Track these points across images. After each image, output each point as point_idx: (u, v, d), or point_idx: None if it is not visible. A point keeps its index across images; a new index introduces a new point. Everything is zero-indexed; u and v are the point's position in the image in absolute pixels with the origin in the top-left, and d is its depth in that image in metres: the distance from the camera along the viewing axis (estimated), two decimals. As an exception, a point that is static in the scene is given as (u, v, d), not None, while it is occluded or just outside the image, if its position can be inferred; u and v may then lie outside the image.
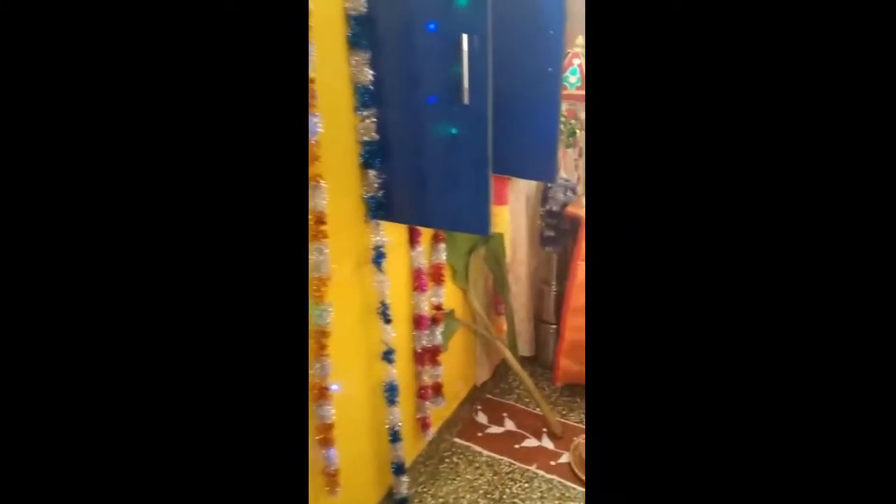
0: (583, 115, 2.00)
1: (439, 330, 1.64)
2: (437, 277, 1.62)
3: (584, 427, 1.98)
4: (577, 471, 1.77)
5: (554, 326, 2.26)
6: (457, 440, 1.93)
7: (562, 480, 1.75)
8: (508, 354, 1.93)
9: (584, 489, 1.72)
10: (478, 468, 1.82)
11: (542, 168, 1.66)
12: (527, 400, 2.12)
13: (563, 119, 2.13)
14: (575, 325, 2.03)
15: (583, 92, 1.87)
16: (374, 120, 1.24)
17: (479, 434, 1.96)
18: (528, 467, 1.81)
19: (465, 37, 1.08)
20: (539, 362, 2.33)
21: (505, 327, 2.06)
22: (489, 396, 2.17)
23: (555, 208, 2.13)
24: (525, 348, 2.29)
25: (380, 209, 1.29)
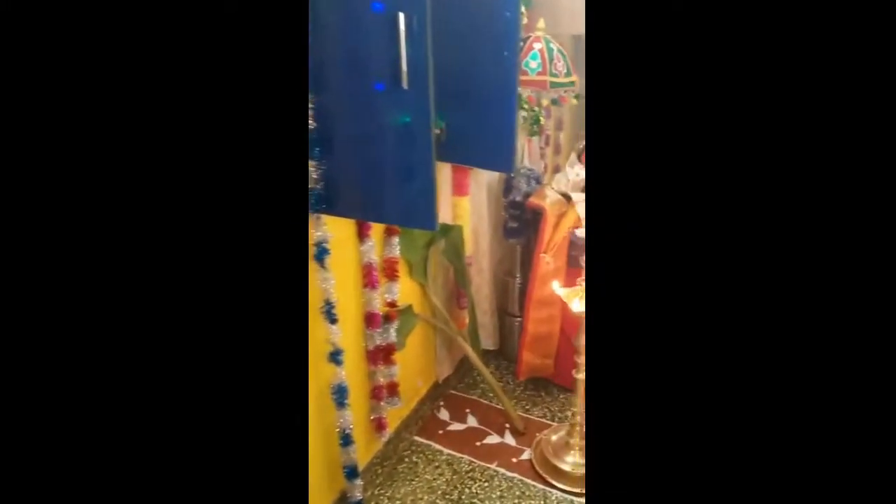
0: (546, 102, 1.93)
1: (393, 327, 1.58)
2: (390, 273, 1.55)
3: (547, 422, 1.95)
4: (538, 468, 1.73)
5: (518, 319, 2.21)
6: (417, 438, 1.88)
7: (522, 478, 1.71)
8: (469, 350, 1.87)
9: (544, 487, 1.69)
10: (437, 467, 1.77)
11: (500, 158, 1.59)
12: (491, 395, 2.07)
13: (525, 106, 2.06)
14: (538, 317, 1.98)
15: (544, 77, 1.80)
16: (311, 106, 1.15)
17: (441, 431, 1.91)
18: (488, 465, 1.76)
19: (401, 16, 1.00)
20: (504, 355, 2.29)
21: (467, 321, 2.01)
22: (452, 392, 2.12)
23: (518, 198, 2.07)
24: (489, 342, 2.25)
25: (320, 203, 1.21)
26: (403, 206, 1.18)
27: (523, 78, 1.80)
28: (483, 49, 1.50)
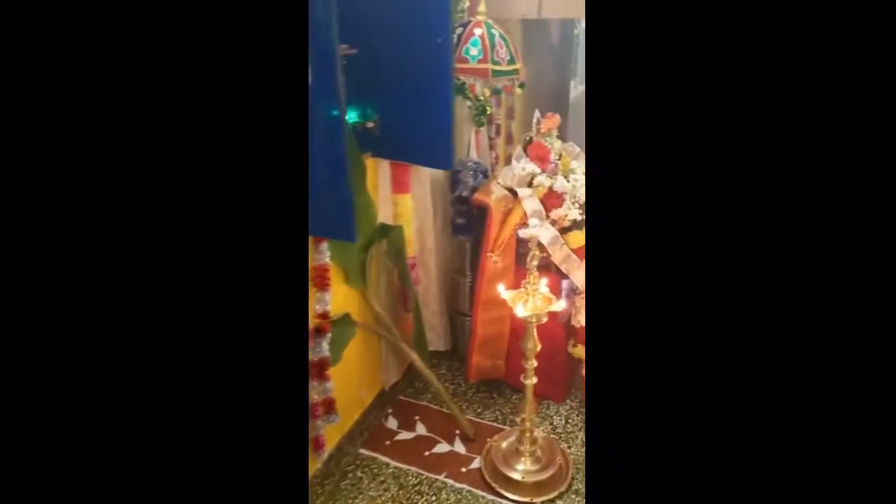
0: (487, 91, 1.82)
1: (326, 341, 1.46)
2: (319, 282, 1.43)
3: (499, 426, 1.88)
4: (487, 477, 1.66)
5: (471, 319, 2.13)
6: (362, 451, 1.78)
7: (471, 489, 1.64)
8: (415, 357, 1.77)
9: (494, 498, 1.61)
10: (383, 482, 1.67)
11: (437, 153, 1.48)
12: (441, 399, 1.99)
13: (470, 96, 1.95)
14: (486, 318, 1.90)
15: (486, 66, 1.68)
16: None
17: (388, 442, 1.82)
18: (436, 477, 1.68)
19: None
20: (457, 356, 2.20)
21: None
22: (402, 398, 2.02)
23: (465, 194, 1.96)
24: (440, 342, 2.15)
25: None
26: (319, 215, 1.05)
27: (463, 66, 1.69)
28: (415, 36, 1.38)
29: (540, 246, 1.71)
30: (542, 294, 1.48)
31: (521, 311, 1.44)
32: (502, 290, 1.53)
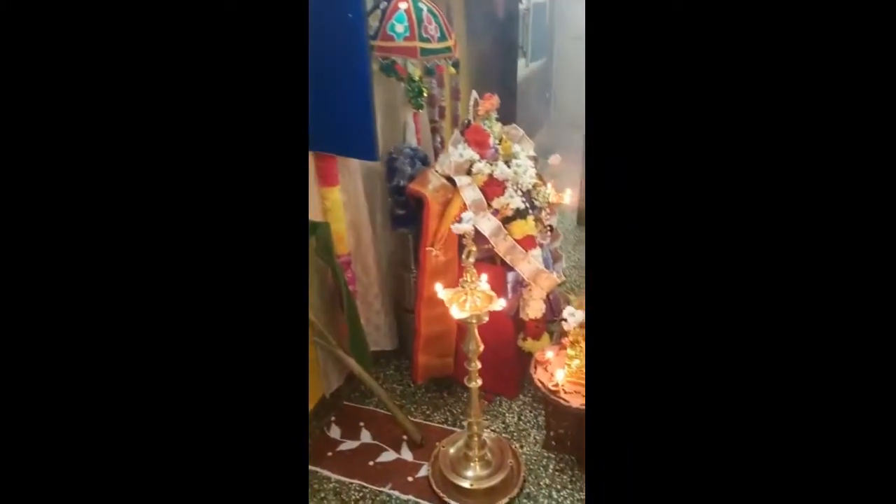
0: (418, 72, 1.67)
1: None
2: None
3: (449, 428, 1.78)
4: (435, 487, 1.56)
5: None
6: (301, 466, 1.66)
7: (418, 501, 1.54)
8: (353, 363, 1.65)
9: (441, 508, 1.53)
10: (323, 499, 1.56)
11: (357, 143, 1.33)
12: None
13: (402, 78, 1.80)
14: (430, 316, 1.79)
15: (413, 43, 1.53)
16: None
17: (330, 454, 1.70)
18: (380, 489, 1.58)
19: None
20: (406, 354, 2.09)
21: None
22: (346, 404, 1.90)
23: (402, 183, 1.83)
24: (385, 342, 2.04)
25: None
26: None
27: (388, 44, 1.54)
28: (325, 13, 1.22)
29: (479, 239, 1.60)
30: (481, 292, 1.37)
31: (457, 314, 1.33)
32: (440, 290, 1.41)
